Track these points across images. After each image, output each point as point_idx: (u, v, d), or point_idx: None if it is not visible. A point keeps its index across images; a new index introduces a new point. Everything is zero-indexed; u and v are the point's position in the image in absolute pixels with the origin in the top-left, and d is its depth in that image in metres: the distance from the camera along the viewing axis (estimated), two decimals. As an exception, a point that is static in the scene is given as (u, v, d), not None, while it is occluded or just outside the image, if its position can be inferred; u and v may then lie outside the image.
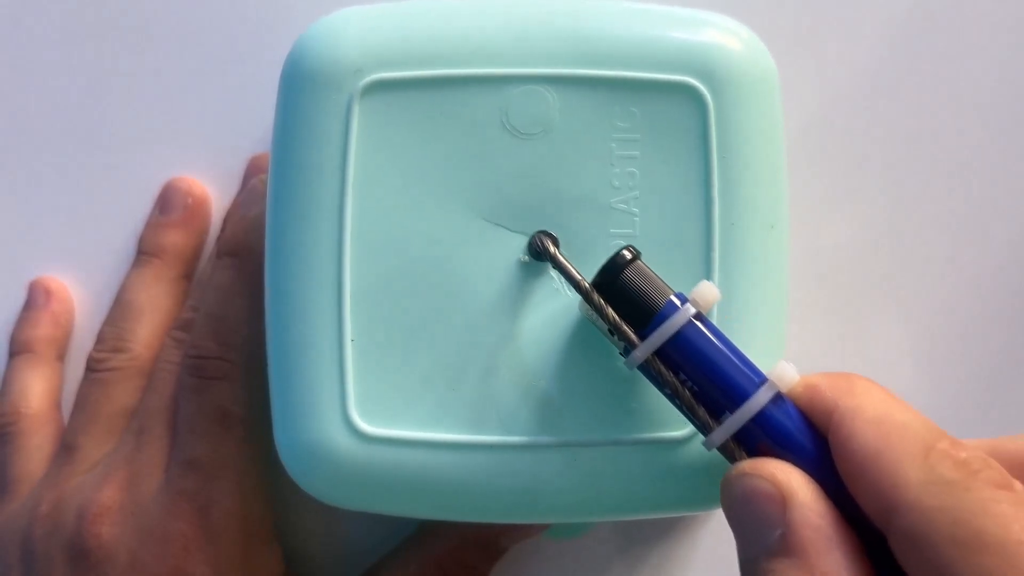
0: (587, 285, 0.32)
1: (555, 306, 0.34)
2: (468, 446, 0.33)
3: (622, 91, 0.34)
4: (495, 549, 0.43)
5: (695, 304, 0.31)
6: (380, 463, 0.33)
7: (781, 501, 0.28)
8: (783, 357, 0.34)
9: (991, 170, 0.45)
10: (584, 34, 0.34)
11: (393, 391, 0.33)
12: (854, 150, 0.45)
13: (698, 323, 0.31)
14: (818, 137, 0.45)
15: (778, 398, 0.30)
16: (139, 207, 0.45)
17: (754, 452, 0.30)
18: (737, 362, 0.30)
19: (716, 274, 0.34)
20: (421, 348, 0.33)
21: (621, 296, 0.31)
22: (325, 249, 0.33)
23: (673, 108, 0.34)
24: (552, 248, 0.33)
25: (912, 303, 0.45)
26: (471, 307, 0.34)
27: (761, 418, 0.30)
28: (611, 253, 0.32)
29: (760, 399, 0.30)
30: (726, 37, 0.34)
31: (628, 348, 0.31)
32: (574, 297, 0.33)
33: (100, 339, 0.44)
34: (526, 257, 0.34)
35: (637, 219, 0.34)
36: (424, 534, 0.43)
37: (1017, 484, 0.26)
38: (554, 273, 0.34)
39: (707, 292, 0.31)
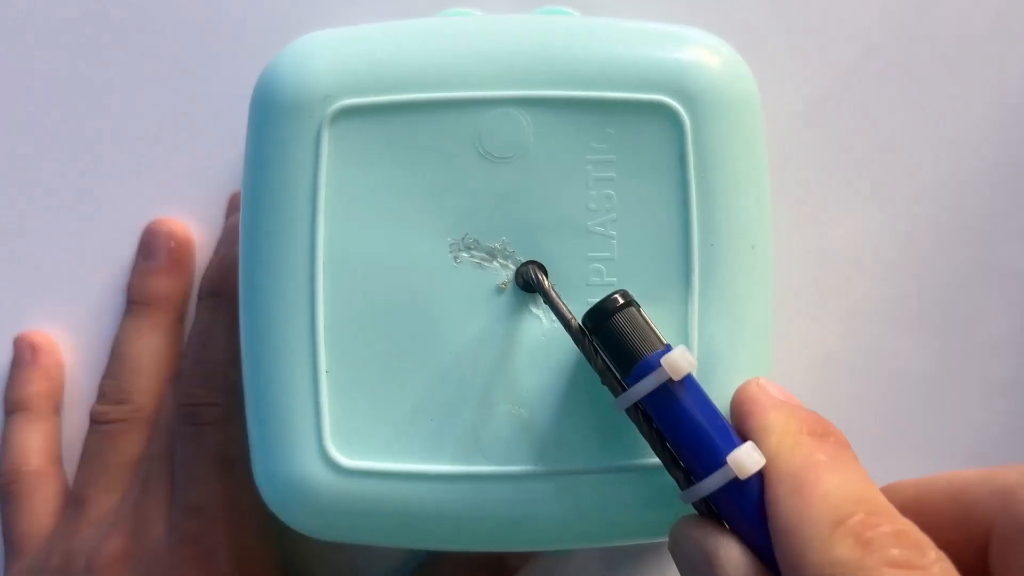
0: (577, 324, 0.32)
1: (535, 332, 0.33)
2: (448, 477, 0.33)
3: (597, 112, 0.33)
4: (504, 570, 0.43)
5: (668, 369, 0.30)
6: (358, 495, 0.33)
7: (709, 566, 0.29)
8: (770, 378, 0.34)
9: (993, 171, 0.45)
10: (557, 54, 0.33)
11: (370, 422, 0.33)
12: (852, 151, 0.45)
13: (677, 386, 0.30)
14: (813, 139, 0.45)
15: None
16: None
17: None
18: (702, 435, 0.30)
19: (695, 295, 0.33)
20: (398, 378, 0.33)
21: (608, 340, 0.31)
22: (297, 280, 0.33)
23: (649, 128, 0.33)
24: (545, 281, 0.33)
25: (913, 303, 0.44)
26: (448, 335, 0.33)
27: (715, 496, 0.30)
28: (589, 279, 0.31)
29: (715, 482, 0.29)
30: (703, 54, 0.33)
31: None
32: (554, 324, 0.33)
33: (101, 393, 0.44)
34: (505, 282, 0.33)
35: (615, 242, 0.33)
36: (433, 561, 0.43)
37: (925, 557, 0.26)
38: (541, 305, 0.33)
39: (679, 360, 0.30)
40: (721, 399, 0.31)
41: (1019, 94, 0.45)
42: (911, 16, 0.45)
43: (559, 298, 0.32)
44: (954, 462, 0.44)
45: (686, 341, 0.33)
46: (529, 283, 0.33)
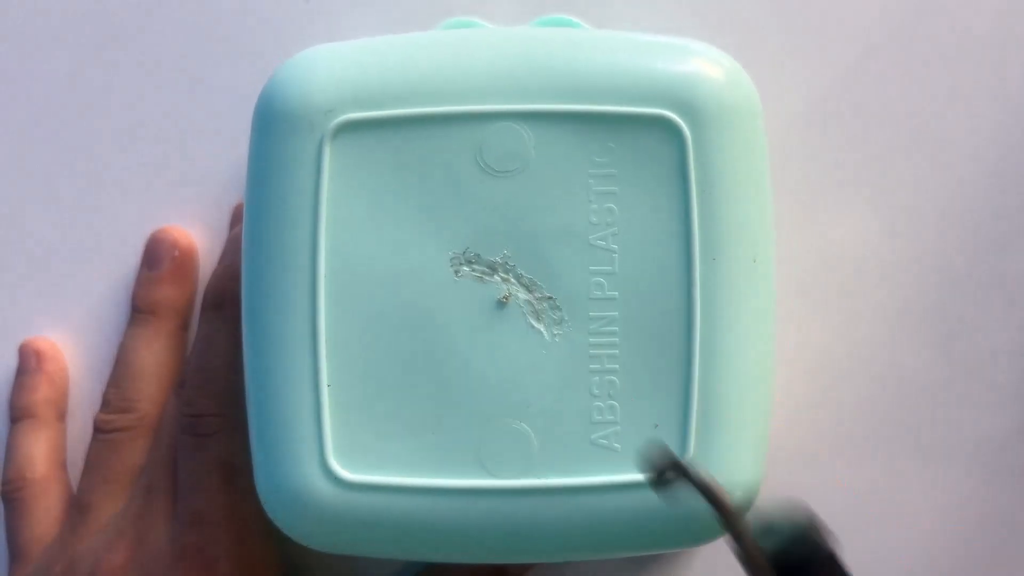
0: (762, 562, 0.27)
1: (535, 347, 0.33)
2: (449, 491, 0.33)
3: (598, 126, 0.33)
4: None
5: None
6: (361, 509, 0.33)
7: None
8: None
9: (993, 171, 0.45)
10: (558, 67, 0.33)
11: (372, 436, 0.33)
12: (852, 151, 0.45)
13: None
14: (813, 139, 0.45)
15: None
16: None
17: None
18: None
19: (697, 310, 0.33)
20: (399, 391, 0.33)
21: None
22: (299, 293, 0.33)
23: (650, 142, 0.33)
24: (706, 477, 0.27)
25: (913, 304, 0.45)
26: (449, 349, 0.33)
27: None
28: (591, 293, 0.31)
29: None
30: (705, 67, 0.33)
31: None
32: (555, 338, 0.33)
33: (105, 401, 0.44)
34: (507, 295, 0.33)
35: (616, 256, 0.33)
36: (433, 569, 0.43)
37: None
38: (541, 319, 0.33)
39: None
40: (724, 402, 0.32)
41: (1019, 94, 0.45)
42: (911, 16, 0.45)
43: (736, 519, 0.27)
44: (954, 462, 0.44)
45: (688, 353, 0.33)
46: (679, 473, 0.27)
